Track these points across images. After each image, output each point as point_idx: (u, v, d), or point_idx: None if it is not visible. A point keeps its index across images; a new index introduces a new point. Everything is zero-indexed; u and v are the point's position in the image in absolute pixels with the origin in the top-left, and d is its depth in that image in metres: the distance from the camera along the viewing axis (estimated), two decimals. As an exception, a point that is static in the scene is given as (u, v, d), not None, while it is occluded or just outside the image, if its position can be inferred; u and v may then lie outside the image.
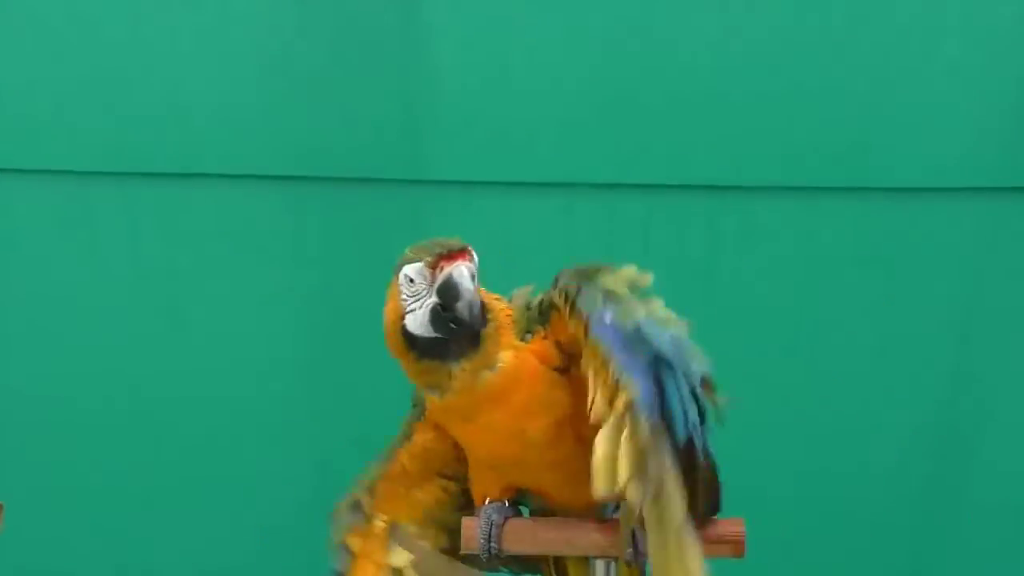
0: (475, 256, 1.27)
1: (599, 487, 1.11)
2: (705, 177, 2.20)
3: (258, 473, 2.27)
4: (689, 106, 2.18)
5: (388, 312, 1.30)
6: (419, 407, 1.42)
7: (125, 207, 2.23)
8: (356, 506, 1.43)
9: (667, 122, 2.18)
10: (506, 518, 1.36)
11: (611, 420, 1.13)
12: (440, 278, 1.25)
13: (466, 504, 1.45)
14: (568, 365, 1.30)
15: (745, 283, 2.22)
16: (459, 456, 1.42)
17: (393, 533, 1.44)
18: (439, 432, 1.41)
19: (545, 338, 1.30)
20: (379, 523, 1.43)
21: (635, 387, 1.11)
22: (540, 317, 1.31)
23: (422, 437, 1.43)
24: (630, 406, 1.11)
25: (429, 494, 1.44)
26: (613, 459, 1.11)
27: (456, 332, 1.26)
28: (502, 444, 1.32)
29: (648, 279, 1.21)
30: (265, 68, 2.19)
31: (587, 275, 1.22)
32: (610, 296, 1.18)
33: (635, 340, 1.14)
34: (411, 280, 1.27)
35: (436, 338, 1.27)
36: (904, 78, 2.17)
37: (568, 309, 1.21)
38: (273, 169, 2.21)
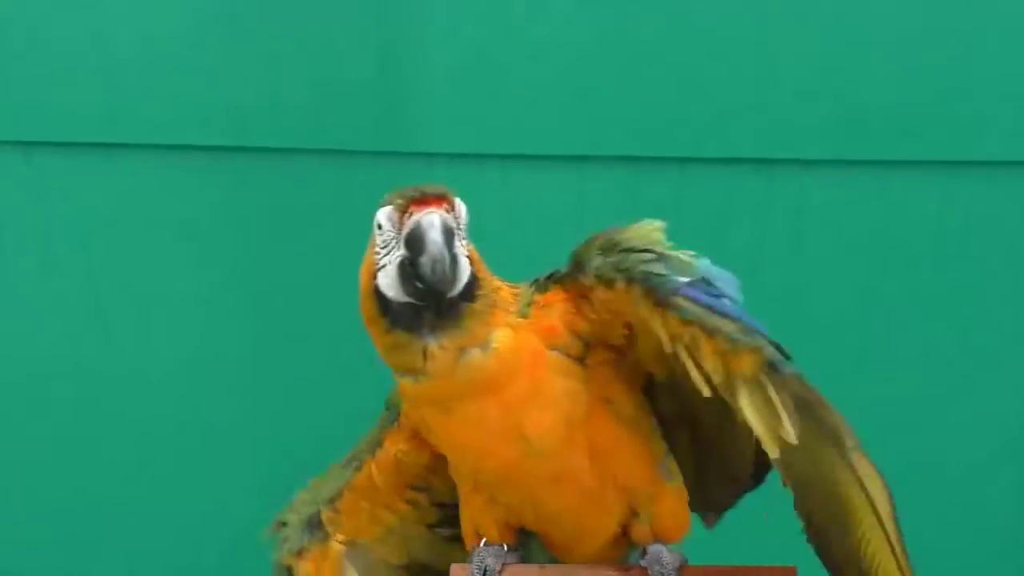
0: (460, 208, 1.18)
1: (772, 449, 1.10)
2: (750, 150, 2.02)
3: (197, 489, 2.14)
4: (730, 66, 2.00)
5: (362, 272, 1.21)
6: (393, 410, 1.34)
7: (31, 183, 2.07)
8: (314, 523, 1.33)
9: (703, 84, 2.01)
10: (504, 565, 1.27)
11: (745, 385, 1.11)
12: (408, 225, 1.15)
13: (440, 520, 1.38)
14: (584, 354, 1.22)
15: (799, 274, 2.06)
16: (435, 468, 1.34)
17: (349, 553, 1.35)
18: (415, 443, 1.32)
19: (551, 315, 1.22)
20: (336, 544, 1.34)
21: (766, 346, 1.10)
22: (540, 286, 1.23)
23: (394, 447, 1.33)
24: (765, 366, 1.10)
25: (395, 512, 1.36)
26: (772, 418, 1.10)
27: (422, 294, 1.14)
28: (492, 447, 1.20)
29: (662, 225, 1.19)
30: (208, 16, 2.02)
31: (615, 243, 1.17)
32: (661, 256, 1.15)
33: (718, 295, 1.13)
34: (380, 227, 1.18)
35: (410, 303, 1.16)
36: (991, 34, 1.99)
37: (614, 285, 1.15)
38: (219, 139, 2.04)
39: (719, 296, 1.14)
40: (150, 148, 2.03)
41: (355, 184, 2.04)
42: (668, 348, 1.14)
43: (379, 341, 1.19)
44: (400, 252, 1.15)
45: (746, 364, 1.12)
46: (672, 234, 1.97)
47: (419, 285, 1.13)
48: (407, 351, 1.17)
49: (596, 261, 1.17)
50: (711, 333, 1.11)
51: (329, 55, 2.02)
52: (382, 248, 1.17)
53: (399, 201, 1.16)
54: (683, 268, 1.14)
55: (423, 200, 1.14)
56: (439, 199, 1.15)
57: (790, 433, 1.10)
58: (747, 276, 1.97)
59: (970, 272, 2.05)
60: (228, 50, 2.02)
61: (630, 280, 1.14)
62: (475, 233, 2.10)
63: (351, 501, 1.33)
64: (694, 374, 1.13)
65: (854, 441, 1.14)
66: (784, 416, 1.10)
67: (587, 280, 1.18)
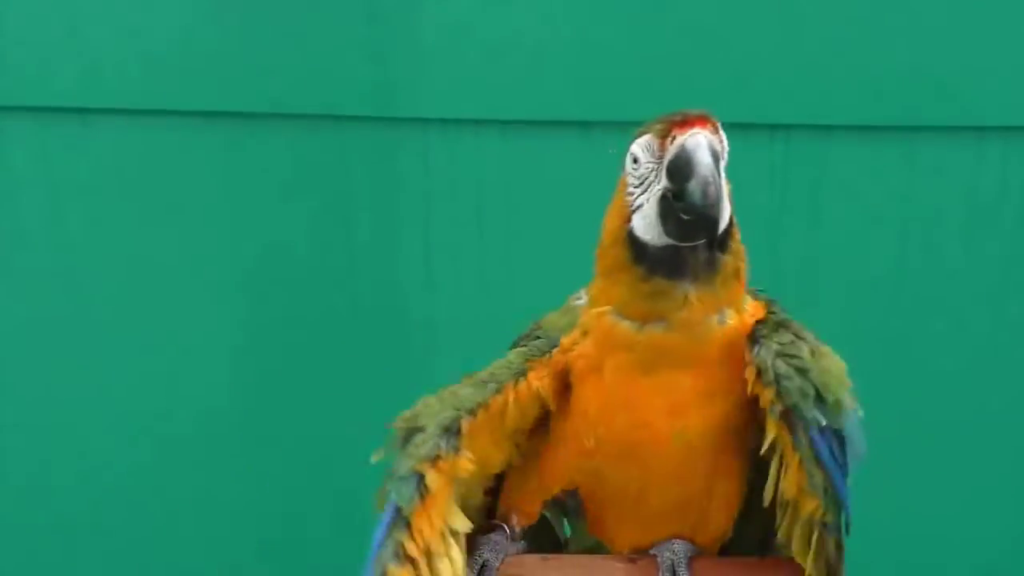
0: (722, 132, 1.12)
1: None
2: (767, 114, 1.99)
3: (178, 475, 2.07)
4: (745, 25, 1.98)
5: (611, 216, 1.18)
6: (546, 340, 1.26)
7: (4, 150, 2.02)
8: (452, 430, 1.22)
9: (717, 44, 1.98)
10: (504, 556, 1.24)
11: (801, 521, 1.16)
12: (671, 151, 1.10)
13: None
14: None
15: (818, 246, 2.02)
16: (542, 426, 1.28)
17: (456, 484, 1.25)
18: (559, 384, 1.25)
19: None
20: (465, 463, 1.22)
21: (835, 510, 1.15)
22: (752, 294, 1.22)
23: (538, 381, 1.25)
24: (823, 523, 1.15)
25: (499, 455, 1.27)
26: (802, 554, 1.17)
27: (687, 230, 1.10)
28: (652, 419, 1.18)
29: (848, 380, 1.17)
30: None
31: (802, 367, 1.14)
32: (822, 400, 1.14)
33: (840, 450, 1.14)
34: (635, 160, 1.14)
35: (672, 248, 1.12)
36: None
37: (770, 391, 1.14)
38: (203, 104, 2.00)
39: (843, 456, 1.15)
40: (129, 113, 2.00)
41: (346, 152, 2.00)
42: (764, 450, 1.17)
43: (629, 290, 1.15)
44: (662, 184, 1.11)
45: (811, 505, 1.15)
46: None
47: (685, 218, 1.09)
48: (664, 300, 1.14)
49: (773, 360, 1.14)
50: (805, 467, 1.14)
51: (318, 14, 1.97)
52: (637, 186, 1.13)
53: (658, 127, 1.11)
54: (834, 414, 1.13)
55: (685, 122, 1.09)
56: (702, 120, 1.09)
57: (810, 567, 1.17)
58: (763, 248, 1.97)
59: (1002, 244, 2.00)
60: (212, 9, 1.96)
61: (780, 397, 1.14)
62: (474, 204, 2.04)
63: (481, 423, 1.24)
64: (772, 474, 1.17)
65: None
66: (809, 560, 1.16)
67: (756, 360, 1.15)
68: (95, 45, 1.98)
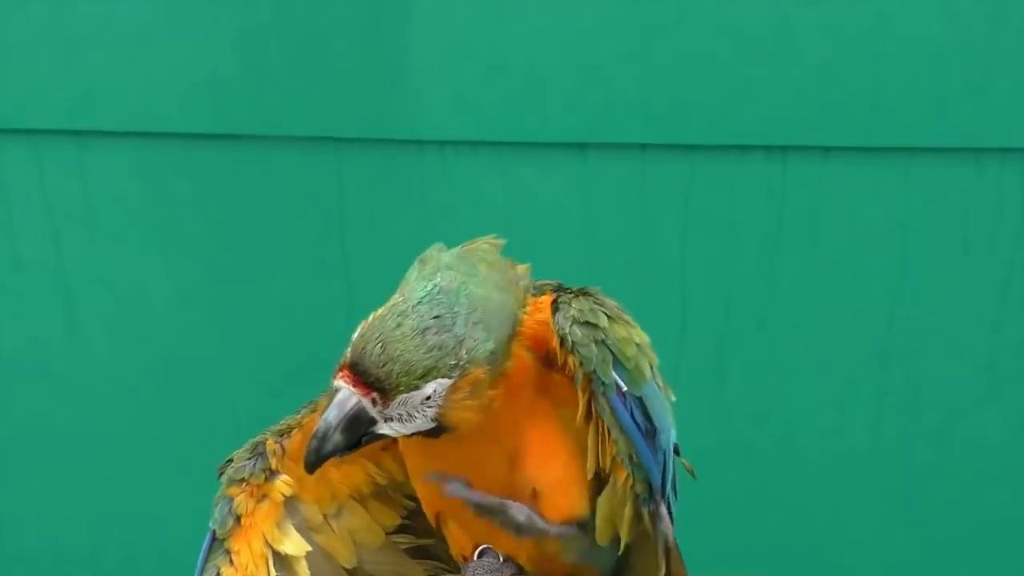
0: (414, 396, 1.06)
1: (601, 539, 1.18)
2: (764, 135, 1.96)
3: (170, 496, 2.04)
4: (743, 45, 1.93)
5: None
6: None
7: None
8: (258, 451, 1.22)
9: (714, 65, 1.94)
10: None
11: (612, 489, 1.17)
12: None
13: (400, 528, 1.28)
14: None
15: (816, 269, 2.00)
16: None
17: (291, 510, 1.23)
18: None
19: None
20: (281, 485, 1.22)
21: (642, 479, 1.17)
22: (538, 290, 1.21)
23: None
24: (636, 494, 1.17)
25: (348, 479, 1.26)
26: (612, 523, 1.18)
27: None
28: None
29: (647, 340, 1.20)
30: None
31: (596, 326, 1.15)
32: (621, 365, 1.15)
33: (643, 415, 1.16)
34: None
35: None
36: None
37: (574, 359, 1.14)
38: (197, 126, 1.99)
39: (648, 423, 1.16)
40: (124, 136, 1.98)
41: (341, 173, 1.99)
42: (579, 419, 1.16)
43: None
44: None
45: (622, 477, 1.16)
46: (680, 226, 2.00)
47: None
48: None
49: (570, 327, 1.14)
50: (612, 435, 1.15)
51: (314, 37, 1.97)
52: None
53: (342, 358, 1.07)
54: (634, 381, 1.15)
55: (352, 373, 1.06)
56: (368, 387, 1.05)
57: (621, 543, 1.18)
58: (760, 271, 2.02)
59: (1000, 266, 1.99)
60: (206, 30, 1.96)
61: (581, 364, 1.13)
62: (471, 225, 2.07)
63: (301, 443, 1.22)
64: (590, 445, 1.17)
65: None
66: (624, 531, 1.18)
67: (556, 328, 1.14)
68: (92, 67, 1.96)
